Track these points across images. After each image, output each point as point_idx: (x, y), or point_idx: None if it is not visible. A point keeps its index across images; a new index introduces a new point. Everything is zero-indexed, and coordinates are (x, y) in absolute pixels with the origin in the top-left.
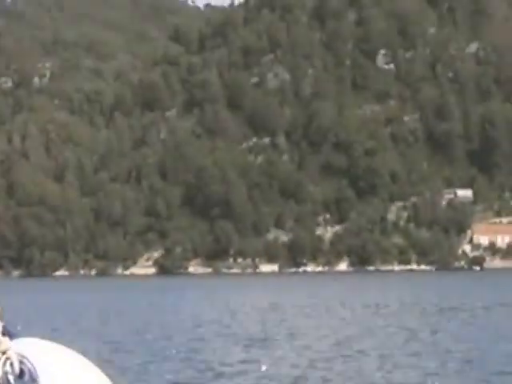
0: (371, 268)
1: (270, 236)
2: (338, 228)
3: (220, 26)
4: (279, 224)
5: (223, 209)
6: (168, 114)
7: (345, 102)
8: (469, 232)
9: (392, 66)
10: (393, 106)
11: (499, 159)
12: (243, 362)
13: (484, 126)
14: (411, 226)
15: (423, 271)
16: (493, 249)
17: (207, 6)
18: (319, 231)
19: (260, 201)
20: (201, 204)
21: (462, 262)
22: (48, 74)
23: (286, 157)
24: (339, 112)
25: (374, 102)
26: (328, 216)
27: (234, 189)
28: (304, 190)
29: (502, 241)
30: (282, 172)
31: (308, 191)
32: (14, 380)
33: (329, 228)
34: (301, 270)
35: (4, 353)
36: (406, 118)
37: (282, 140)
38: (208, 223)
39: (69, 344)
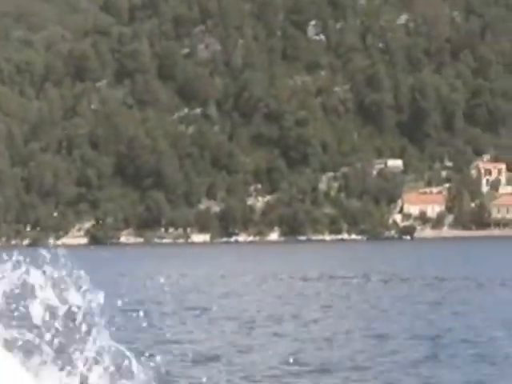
0: (302, 238)
1: (202, 206)
2: (269, 198)
3: None
4: (210, 194)
5: (155, 179)
6: (99, 84)
7: (276, 72)
8: (399, 202)
9: (322, 36)
10: (323, 76)
11: (429, 130)
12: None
13: (414, 97)
14: (342, 195)
15: (354, 241)
16: (423, 218)
17: None
18: (250, 201)
19: (191, 171)
20: (132, 174)
21: (393, 232)
22: None
23: (217, 127)
24: (270, 82)
25: (305, 72)
26: (259, 186)
27: (165, 159)
28: (235, 161)
29: (432, 210)
30: (214, 142)
31: (239, 161)
32: None
33: (260, 198)
34: (232, 239)
35: None
36: (336, 89)
37: (213, 110)
38: (139, 193)
39: None
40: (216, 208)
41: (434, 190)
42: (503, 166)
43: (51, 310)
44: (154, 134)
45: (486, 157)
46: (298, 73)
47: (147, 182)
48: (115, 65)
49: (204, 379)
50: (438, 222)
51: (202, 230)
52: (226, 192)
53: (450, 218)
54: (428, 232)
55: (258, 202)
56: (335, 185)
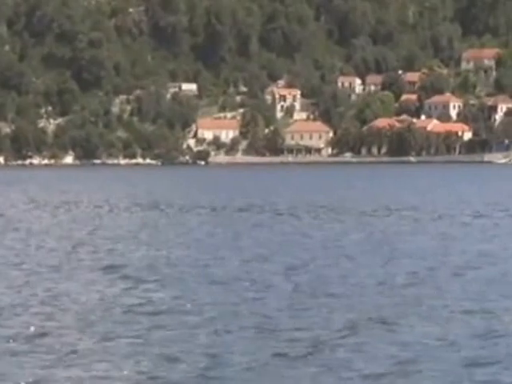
0: (97, 161)
1: None
2: (60, 120)
3: None
4: (1, 115)
5: None
6: None
7: None
8: (193, 126)
9: None
10: None
11: (224, 54)
12: None
13: (210, 20)
14: (135, 119)
15: (149, 165)
16: (217, 143)
17: None
18: (42, 123)
19: None
20: None
21: (187, 157)
22: None
23: (7, 47)
24: (63, 2)
25: None
26: (50, 108)
27: None
28: (26, 81)
29: (226, 136)
30: (4, 62)
31: (30, 82)
32: None
33: (52, 120)
34: (27, 162)
35: None
36: (131, 10)
37: (3, 29)
38: None
39: None
40: (7, 129)
41: (229, 115)
42: (298, 92)
43: None
44: None
45: (281, 82)
46: None
47: None
48: None
49: None
50: (232, 148)
51: None
52: (16, 113)
53: (244, 144)
54: (222, 157)
55: (50, 125)
56: (128, 108)
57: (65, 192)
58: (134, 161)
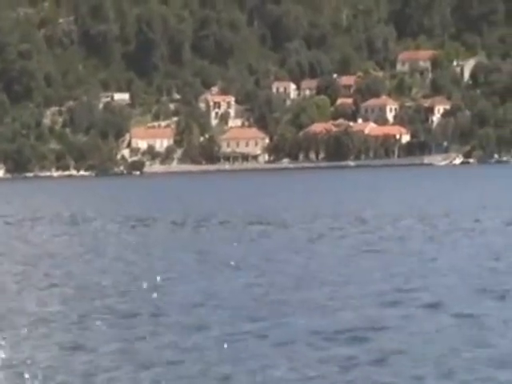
0: (30, 174)
1: None
2: None
3: None
4: None
5: None
6: None
7: None
8: (127, 136)
9: None
10: (47, 7)
11: (157, 61)
12: None
13: (141, 28)
14: (68, 130)
15: (82, 177)
16: (152, 153)
17: None
18: None
19: None
20: None
21: (122, 167)
22: None
23: None
24: None
25: (28, 4)
26: None
27: None
28: None
29: (160, 145)
30: None
31: None
32: None
33: None
34: None
35: None
36: (60, 20)
37: None
38: None
39: None
40: None
41: (163, 123)
42: (232, 99)
43: None
44: None
45: (215, 89)
46: (21, 4)
47: None
48: None
49: None
50: (167, 157)
51: None
52: None
53: (179, 153)
54: (157, 167)
55: None
56: (60, 119)
57: None
58: (67, 173)
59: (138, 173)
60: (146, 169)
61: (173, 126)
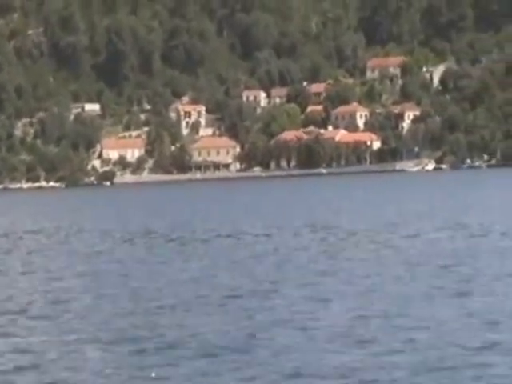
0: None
1: None
2: None
3: None
4: None
5: None
6: None
7: None
8: (98, 147)
9: None
10: (16, 19)
11: (127, 72)
12: None
13: (111, 39)
14: (39, 142)
15: (52, 188)
16: (123, 163)
17: None
18: None
19: None
20: None
21: (92, 178)
22: None
23: None
24: None
25: None
26: None
27: None
28: None
29: (131, 155)
30: None
31: None
32: None
33: None
34: None
35: None
36: (30, 32)
37: None
38: None
39: None
40: None
41: (133, 133)
42: (203, 108)
43: None
44: None
45: (185, 99)
46: None
47: None
48: None
49: None
50: (138, 167)
51: None
52: None
53: (150, 163)
54: (128, 177)
55: None
56: (31, 131)
57: None
58: (37, 184)
59: (108, 183)
60: (117, 179)
61: (144, 136)
